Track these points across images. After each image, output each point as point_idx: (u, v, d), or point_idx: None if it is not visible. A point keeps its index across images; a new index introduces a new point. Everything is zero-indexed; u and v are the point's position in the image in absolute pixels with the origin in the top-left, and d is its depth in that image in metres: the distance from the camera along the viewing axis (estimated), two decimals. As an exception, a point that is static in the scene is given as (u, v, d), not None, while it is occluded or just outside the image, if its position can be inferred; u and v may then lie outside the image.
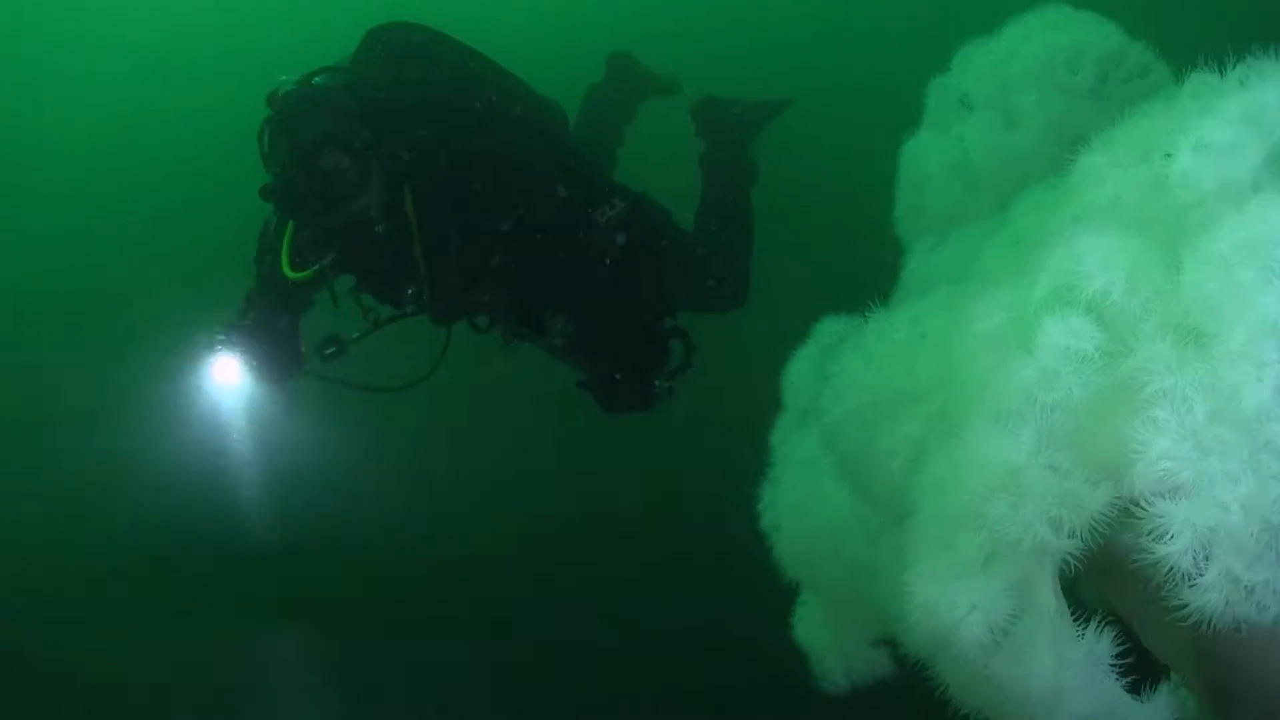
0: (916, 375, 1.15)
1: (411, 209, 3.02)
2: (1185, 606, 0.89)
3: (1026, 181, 1.65)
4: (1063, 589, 1.07)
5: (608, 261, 3.34)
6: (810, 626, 1.59)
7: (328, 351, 3.11)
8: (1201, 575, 0.88)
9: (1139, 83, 1.74)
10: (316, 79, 3.12)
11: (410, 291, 3.15)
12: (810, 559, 1.39)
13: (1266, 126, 1.05)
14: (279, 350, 3.06)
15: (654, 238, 3.46)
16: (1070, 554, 0.97)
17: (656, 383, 3.38)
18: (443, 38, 3.35)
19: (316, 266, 3.02)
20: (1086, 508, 0.92)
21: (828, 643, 1.55)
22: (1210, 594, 0.88)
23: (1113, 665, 1.00)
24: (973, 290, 1.17)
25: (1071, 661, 0.99)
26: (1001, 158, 1.69)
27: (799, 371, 1.53)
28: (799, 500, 1.40)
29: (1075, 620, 1.02)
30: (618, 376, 3.38)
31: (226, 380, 3.06)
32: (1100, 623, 1.00)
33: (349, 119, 2.97)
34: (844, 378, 1.21)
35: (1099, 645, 0.99)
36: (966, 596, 0.99)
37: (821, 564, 1.38)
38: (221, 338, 3.03)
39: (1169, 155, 1.10)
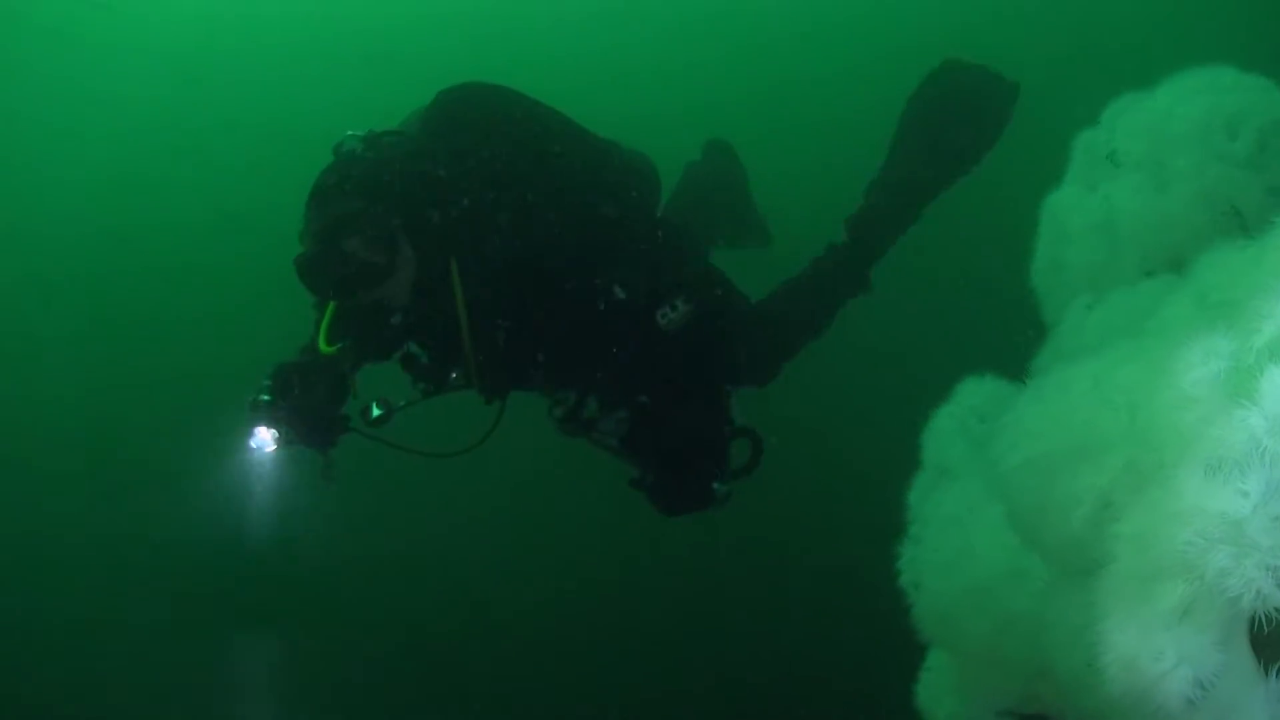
0: (1100, 428, 1.13)
1: (460, 298, 2.86)
2: None
3: (1175, 247, 1.66)
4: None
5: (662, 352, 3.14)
6: (934, 693, 1.55)
7: (373, 417, 2.92)
8: None
9: (1301, 155, 1.73)
10: (385, 138, 2.96)
11: (454, 376, 3.02)
12: (953, 616, 1.36)
13: None
14: (317, 423, 2.87)
15: (717, 321, 3.25)
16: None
17: (716, 485, 3.15)
18: (516, 104, 3.10)
19: (341, 345, 2.88)
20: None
21: (952, 710, 1.52)
22: None
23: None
24: (1159, 345, 1.16)
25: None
26: (1149, 221, 1.68)
27: (940, 430, 1.53)
28: (945, 558, 1.37)
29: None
30: (672, 477, 3.16)
31: (262, 457, 2.88)
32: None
33: (384, 200, 2.80)
34: (1020, 427, 1.19)
35: (1305, 709, 0.96)
36: (1174, 648, 0.96)
37: (964, 621, 1.35)
38: (256, 415, 2.84)
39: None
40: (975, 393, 1.64)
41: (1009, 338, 1.79)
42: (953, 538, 1.38)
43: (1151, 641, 0.97)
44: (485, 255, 2.86)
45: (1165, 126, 1.72)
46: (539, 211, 2.96)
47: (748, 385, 3.40)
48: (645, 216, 3.26)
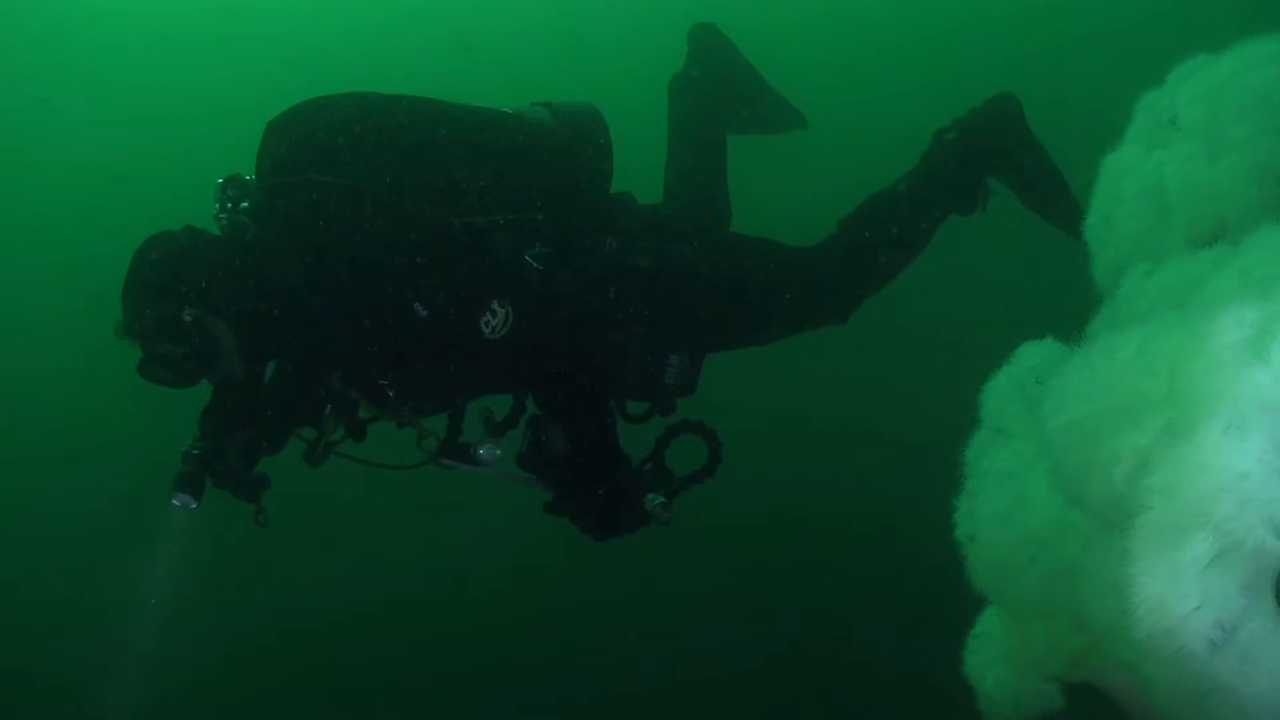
0: (1143, 391, 1.21)
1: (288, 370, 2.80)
2: None
3: (1222, 218, 1.70)
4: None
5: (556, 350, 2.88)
6: (982, 659, 1.63)
7: (315, 454, 2.86)
8: None
9: (1359, 129, 1.75)
10: (229, 191, 2.80)
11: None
12: (1006, 568, 1.44)
13: None
14: (241, 473, 2.81)
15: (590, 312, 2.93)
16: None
17: (652, 501, 2.87)
18: (344, 128, 2.83)
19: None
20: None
21: (1000, 675, 1.59)
22: None
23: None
24: (1202, 317, 1.23)
25: (1295, 669, 1.03)
26: (1198, 192, 1.71)
27: (998, 390, 1.61)
28: (999, 510, 1.46)
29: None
30: (581, 495, 2.90)
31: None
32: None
33: (176, 297, 2.69)
34: (1068, 389, 1.28)
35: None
36: (1197, 591, 1.04)
37: (1017, 573, 1.43)
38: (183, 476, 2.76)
39: None
40: (1033, 354, 1.71)
41: (1064, 301, 1.85)
42: (1007, 491, 1.46)
43: (1177, 585, 1.05)
44: (297, 306, 2.75)
45: (1225, 94, 1.73)
46: (339, 255, 2.75)
47: (830, 323, 3.23)
48: (521, 202, 2.95)
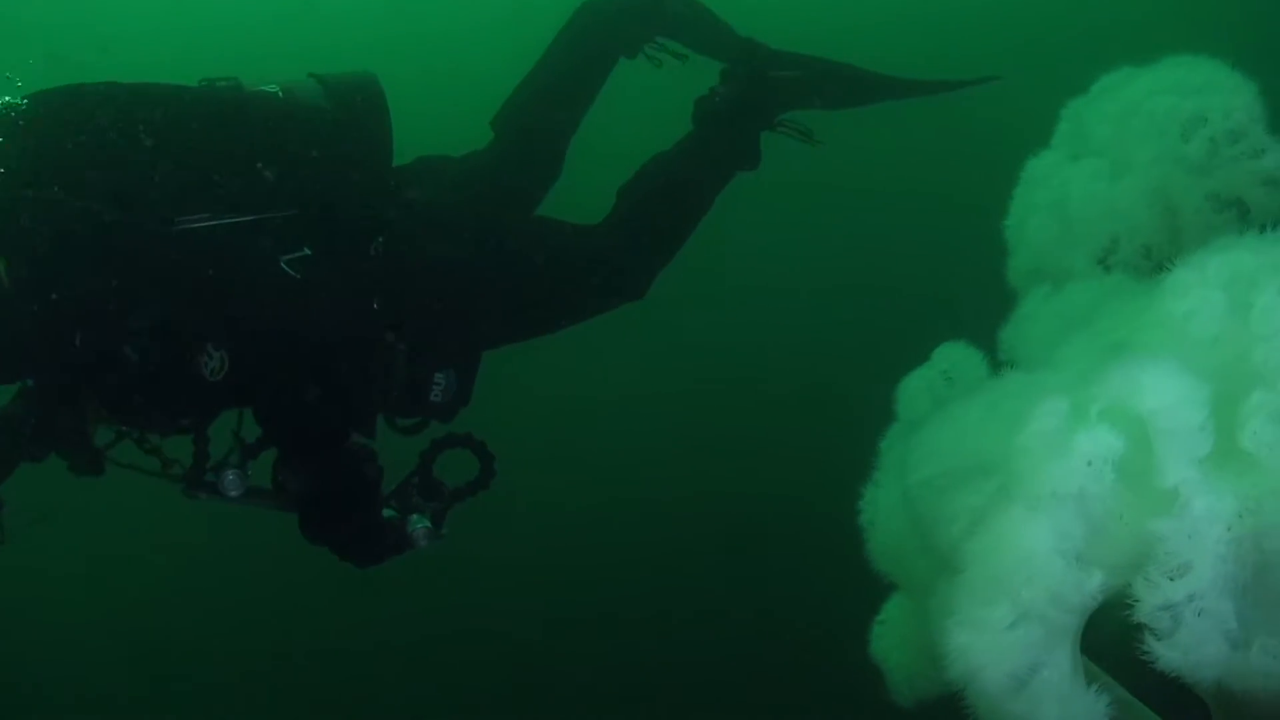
0: (985, 453, 1.40)
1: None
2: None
3: (1117, 237, 1.86)
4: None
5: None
6: (885, 644, 1.87)
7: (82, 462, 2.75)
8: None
9: (1248, 164, 1.87)
10: None
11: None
12: (898, 555, 1.64)
13: None
14: None
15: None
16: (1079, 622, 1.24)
17: (418, 524, 2.77)
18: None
19: None
20: (1084, 589, 1.18)
21: (899, 659, 1.83)
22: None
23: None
24: (1050, 379, 1.42)
25: (1074, 714, 1.25)
26: (1097, 209, 1.88)
27: (911, 389, 1.81)
28: (895, 498, 1.65)
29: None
30: (326, 533, 2.75)
31: None
32: (1099, 687, 1.25)
33: None
34: (925, 446, 1.47)
35: (1098, 703, 1.25)
36: (996, 646, 1.26)
37: (909, 560, 1.63)
38: None
39: (1253, 288, 1.29)
40: (947, 356, 1.89)
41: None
42: (901, 481, 1.66)
43: (980, 639, 1.27)
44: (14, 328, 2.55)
45: (1132, 117, 1.88)
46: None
47: (625, 300, 3.15)
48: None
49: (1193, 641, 1.10)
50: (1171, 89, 1.89)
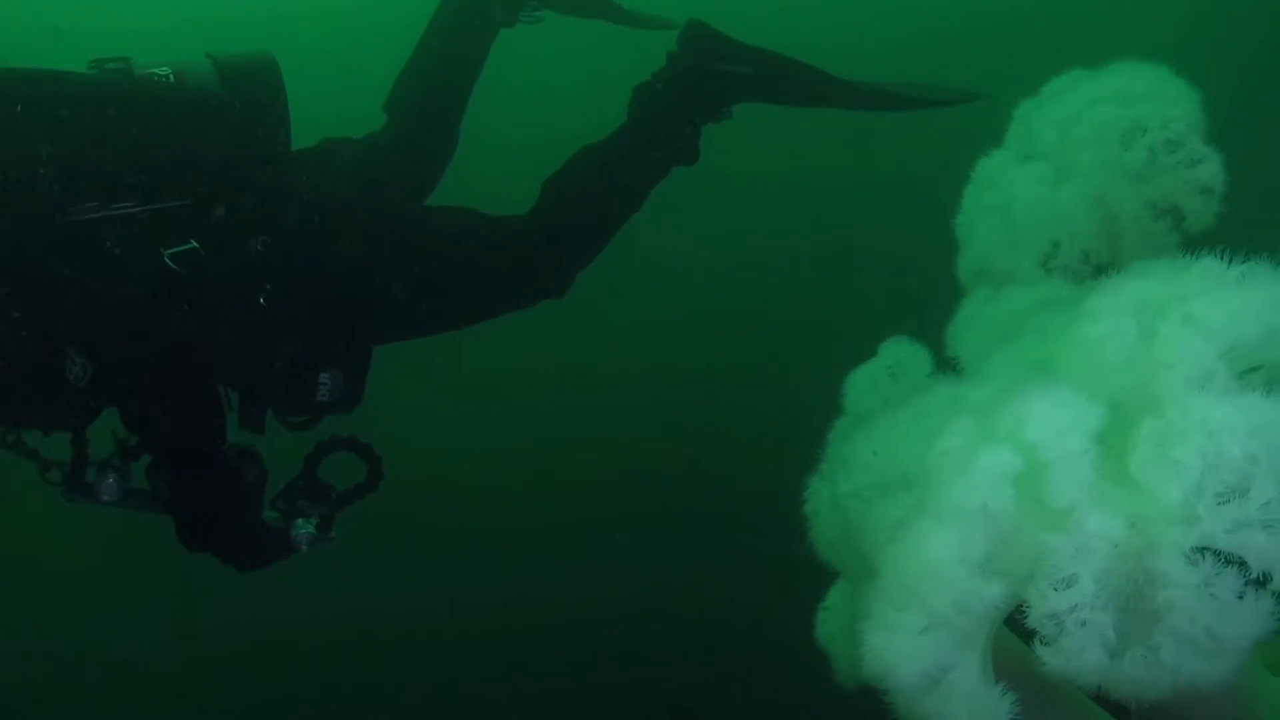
0: (907, 467, 1.50)
1: None
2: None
3: (1058, 242, 1.93)
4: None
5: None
6: (829, 630, 1.98)
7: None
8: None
9: (1185, 173, 1.94)
10: None
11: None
12: (838, 545, 1.74)
13: (1240, 324, 1.29)
14: None
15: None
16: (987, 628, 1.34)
17: (297, 527, 2.73)
18: None
19: None
20: (985, 597, 1.28)
21: (842, 646, 1.94)
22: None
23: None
24: (965, 399, 1.51)
25: (982, 712, 1.36)
26: (1039, 214, 1.96)
27: (859, 383, 1.90)
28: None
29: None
30: (201, 541, 2.70)
31: None
32: (1004, 688, 1.35)
33: None
34: (853, 458, 1.57)
35: (1004, 702, 1.35)
36: (907, 649, 1.36)
37: (847, 552, 1.73)
38: None
39: (1160, 316, 1.36)
40: (892, 353, 1.98)
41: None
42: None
43: (893, 642, 1.37)
44: None
45: (1073, 125, 1.96)
46: None
47: (543, 299, 3.04)
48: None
49: (1074, 649, 1.20)
50: (1113, 97, 1.96)
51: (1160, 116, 1.92)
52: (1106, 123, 1.93)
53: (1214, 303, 1.27)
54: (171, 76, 2.69)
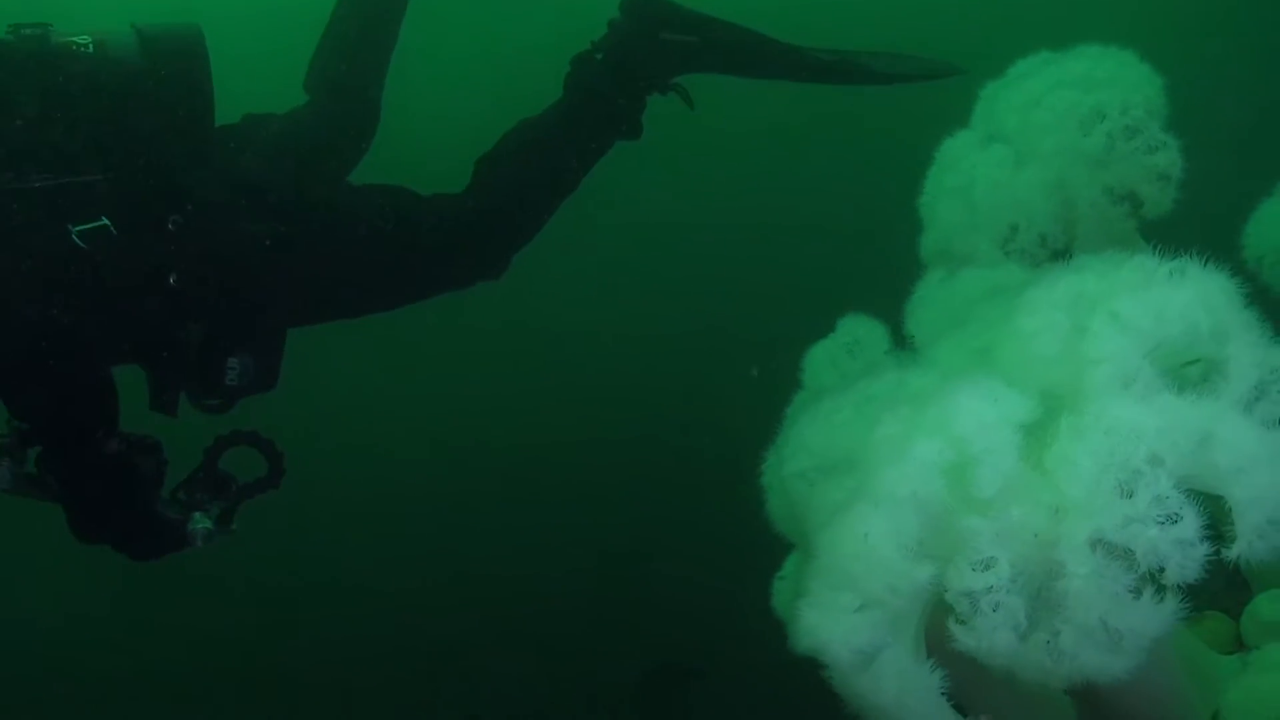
0: (849, 451, 1.55)
1: None
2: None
3: (1016, 224, 1.97)
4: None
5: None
6: (785, 598, 2.04)
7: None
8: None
9: (1142, 159, 1.97)
10: None
11: None
12: (790, 515, 1.79)
13: (1164, 322, 1.34)
14: None
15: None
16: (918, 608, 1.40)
17: (195, 520, 2.66)
18: None
19: None
20: (915, 579, 1.33)
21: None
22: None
23: (943, 694, 1.42)
24: (917, 379, 1.56)
25: (912, 689, 1.42)
26: (999, 197, 2.00)
27: (817, 359, 1.96)
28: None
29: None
30: (91, 532, 2.65)
31: None
32: (934, 664, 1.41)
33: None
34: (798, 441, 1.62)
35: (933, 679, 1.41)
36: (839, 627, 1.42)
37: (798, 519, 1.77)
38: None
39: (1090, 312, 1.40)
40: (850, 330, 2.03)
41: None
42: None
43: (827, 620, 1.42)
44: None
45: (1034, 110, 1.99)
46: None
47: (484, 279, 2.96)
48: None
49: (986, 629, 1.25)
50: (1075, 82, 1.99)
51: (1120, 103, 1.95)
52: (1067, 108, 1.96)
53: (1138, 301, 1.31)
54: (91, 46, 2.62)
